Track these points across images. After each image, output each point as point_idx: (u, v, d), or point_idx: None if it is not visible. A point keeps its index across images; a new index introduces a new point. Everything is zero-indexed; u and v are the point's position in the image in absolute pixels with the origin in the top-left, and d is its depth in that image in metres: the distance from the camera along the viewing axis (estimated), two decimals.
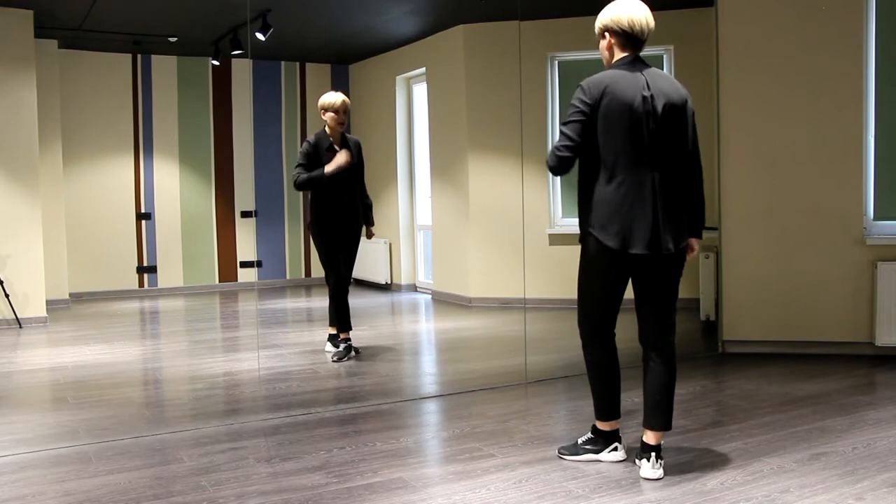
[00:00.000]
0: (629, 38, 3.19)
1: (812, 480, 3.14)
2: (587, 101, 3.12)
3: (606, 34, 3.23)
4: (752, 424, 3.89)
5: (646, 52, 3.27)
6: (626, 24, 3.17)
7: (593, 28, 3.30)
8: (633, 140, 3.11)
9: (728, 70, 5.49)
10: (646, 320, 3.27)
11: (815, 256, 5.39)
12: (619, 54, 3.22)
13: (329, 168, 5.29)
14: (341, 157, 5.32)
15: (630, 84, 3.12)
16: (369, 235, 5.80)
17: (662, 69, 7.05)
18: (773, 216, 5.45)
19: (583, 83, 3.16)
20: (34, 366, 5.83)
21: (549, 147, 7.44)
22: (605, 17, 3.23)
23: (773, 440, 3.64)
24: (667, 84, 3.20)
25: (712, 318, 6.25)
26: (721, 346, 5.61)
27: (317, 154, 5.39)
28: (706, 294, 6.37)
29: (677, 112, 3.19)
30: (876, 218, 5.38)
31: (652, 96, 3.13)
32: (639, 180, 3.13)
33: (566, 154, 3.14)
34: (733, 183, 5.50)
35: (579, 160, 3.21)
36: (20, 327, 7.06)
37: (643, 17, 3.19)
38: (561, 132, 3.18)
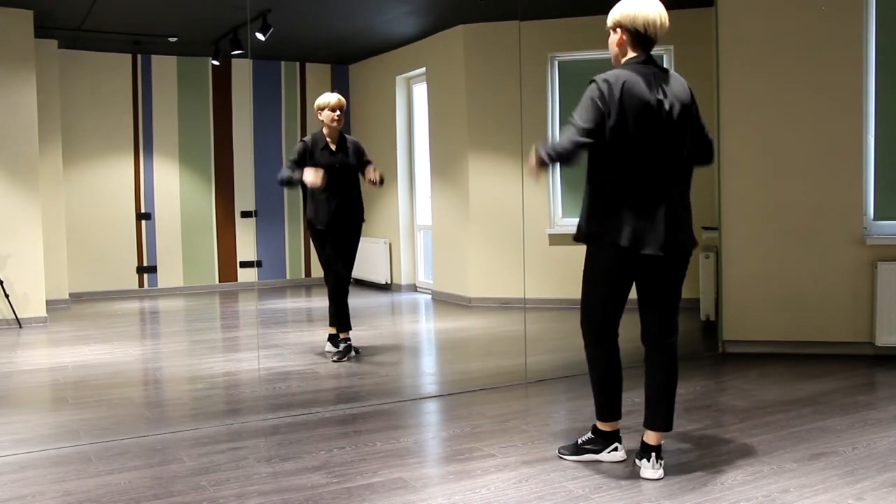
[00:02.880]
0: (642, 39, 3.14)
1: (812, 480, 3.14)
2: (605, 95, 3.05)
3: (619, 30, 3.17)
4: (752, 424, 3.89)
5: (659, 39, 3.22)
6: (641, 25, 3.12)
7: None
8: (650, 141, 3.08)
9: (728, 70, 5.49)
10: (649, 321, 3.26)
11: (815, 256, 5.39)
12: (630, 53, 3.17)
13: (306, 177, 5.19)
14: (308, 177, 5.16)
15: (646, 85, 3.08)
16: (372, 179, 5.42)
17: None
18: (773, 216, 5.45)
19: (598, 78, 3.09)
20: (34, 366, 5.83)
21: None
22: (619, 13, 3.16)
23: (773, 440, 3.64)
24: (678, 86, 3.18)
25: (712, 318, 6.25)
26: (721, 346, 5.61)
27: (311, 153, 5.40)
28: (706, 294, 6.37)
29: (688, 112, 3.18)
30: (876, 218, 5.38)
31: (667, 98, 3.11)
32: (654, 182, 3.11)
33: (586, 141, 3.03)
34: (733, 183, 5.50)
35: (590, 158, 3.17)
36: (20, 327, 7.06)
37: (658, 17, 3.13)
38: (575, 123, 3.06)
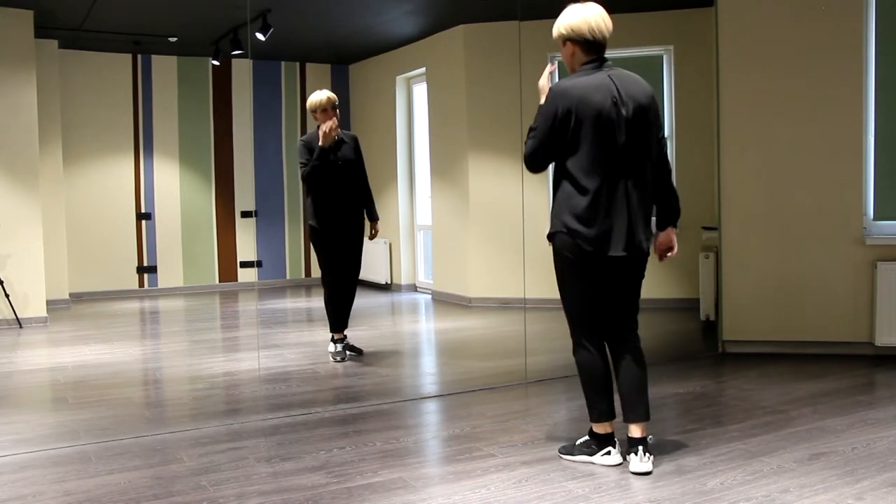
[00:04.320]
0: (591, 45, 3.23)
1: (812, 480, 3.14)
2: (556, 108, 3.16)
3: (567, 43, 3.27)
4: (752, 424, 3.89)
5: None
6: (588, 33, 3.20)
7: (561, 51, 3.32)
8: (605, 145, 3.17)
9: (728, 70, 5.49)
10: (612, 319, 3.35)
11: (815, 256, 5.39)
12: (582, 59, 3.26)
13: (321, 142, 5.24)
14: (326, 126, 5.24)
15: (599, 90, 3.16)
16: (372, 235, 5.69)
17: (662, 69, 7.06)
18: (774, 216, 5.45)
19: (552, 88, 3.21)
20: (34, 366, 5.83)
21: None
22: (562, 26, 3.26)
23: (773, 440, 3.64)
24: (634, 86, 3.25)
25: (712, 318, 6.25)
26: (721, 346, 5.61)
27: (311, 151, 5.39)
28: (706, 294, 6.37)
29: (646, 113, 3.25)
30: (876, 218, 5.38)
31: (622, 101, 3.18)
32: (612, 184, 3.19)
33: (541, 159, 3.28)
34: (733, 183, 5.50)
35: (554, 164, 3.30)
36: (20, 327, 7.07)
37: (601, 21, 3.22)
38: (532, 137, 3.25)
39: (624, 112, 3.17)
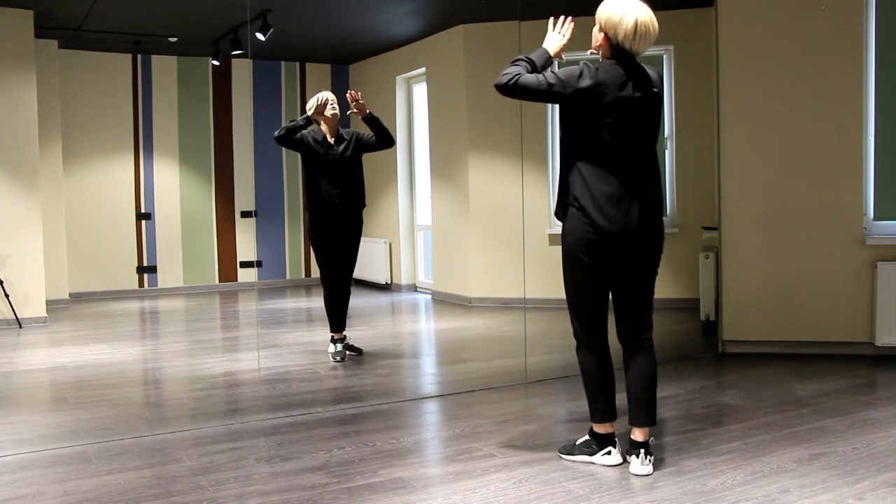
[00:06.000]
0: (620, 51, 3.18)
1: (812, 480, 3.14)
2: (582, 74, 3.13)
3: (603, 32, 3.21)
4: (752, 424, 3.89)
5: (645, 51, 3.26)
6: (622, 40, 3.13)
7: (594, 28, 3.29)
8: (625, 133, 3.16)
9: (728, 70, 5.49)
10: (624, 319, 3.32)
11: (815, 256, 5.39)
12: (608, 55, 3.23)
13: (309, 109, 5.40)
14: (324, 95, 5.42)
15: (623, 81, 3.14)
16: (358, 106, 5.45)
17: (662, 69, 7.06)
18: (773, 216, 5.45)
19: (582, 64, 3.17)
20: (34, 366, 5.82)
21: (549, 148, 7.48)
22: (604, 17, 3.17)
23: (773, 440, 3.64)
24: (648, 78, 3.24)
25: (712, 318, 6.25)
26: (721, 346, 5.61)
27: (308, 143, 5.38)
28: (706, 294, 6.37)
29: (660, 106, 3.28)
30: (876, 218, 5.38)
31: (644, 89, 3.18)
32: (630, 171, 3.18)
33: (523, 95, 3.18)
34: (733, 183, 5.50)
35: (566, 144, 3.27)
36: (20, 327, 7.06)
37: (642, 37, 3.13)
38: (548, 76, 3.18)
39: (644, 100, 3.17)
